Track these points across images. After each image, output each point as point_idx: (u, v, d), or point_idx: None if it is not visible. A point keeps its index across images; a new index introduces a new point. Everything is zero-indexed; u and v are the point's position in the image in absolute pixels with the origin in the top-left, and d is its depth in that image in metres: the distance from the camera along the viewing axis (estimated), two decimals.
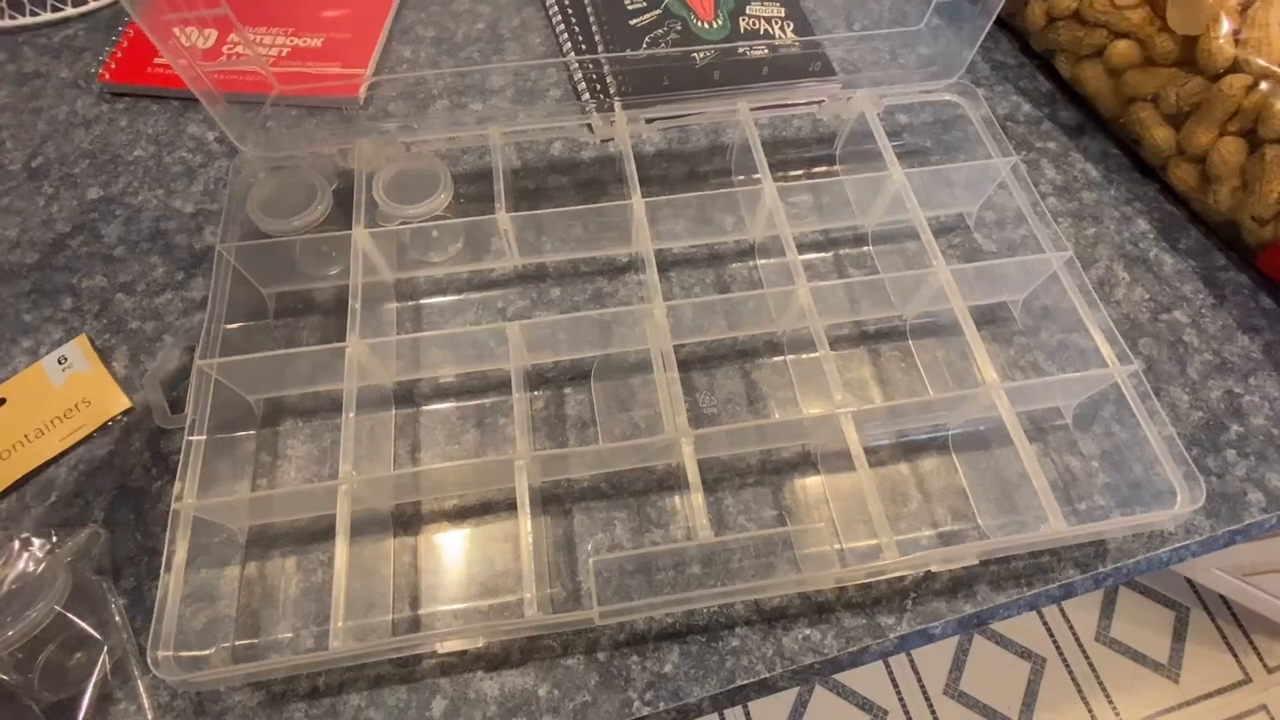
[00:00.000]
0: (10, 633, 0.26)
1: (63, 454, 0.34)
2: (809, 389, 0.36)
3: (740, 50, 0.46)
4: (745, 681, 0.30)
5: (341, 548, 0.28)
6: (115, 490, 0.33)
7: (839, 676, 0.98)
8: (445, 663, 0.30)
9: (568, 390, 0.36)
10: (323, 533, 0.32)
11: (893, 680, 0.99)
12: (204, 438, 0.31)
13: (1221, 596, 1.01)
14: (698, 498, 0.29)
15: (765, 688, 0.30)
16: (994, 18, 0.38)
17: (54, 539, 0.28)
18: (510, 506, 0.33)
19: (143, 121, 0.45)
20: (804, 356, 0.36)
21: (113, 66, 0.46)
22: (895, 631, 0.31)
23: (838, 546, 0.32)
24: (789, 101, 0.41)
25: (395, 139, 0.39)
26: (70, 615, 0.27)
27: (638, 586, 0.31)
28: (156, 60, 0.47)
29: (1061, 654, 0.99)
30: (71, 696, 0.28)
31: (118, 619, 0.28)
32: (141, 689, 0.28)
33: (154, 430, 0.35)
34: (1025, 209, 0.37)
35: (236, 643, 0.30)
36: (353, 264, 0.34)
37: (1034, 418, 0.35)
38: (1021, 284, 0.37)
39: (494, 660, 0.30)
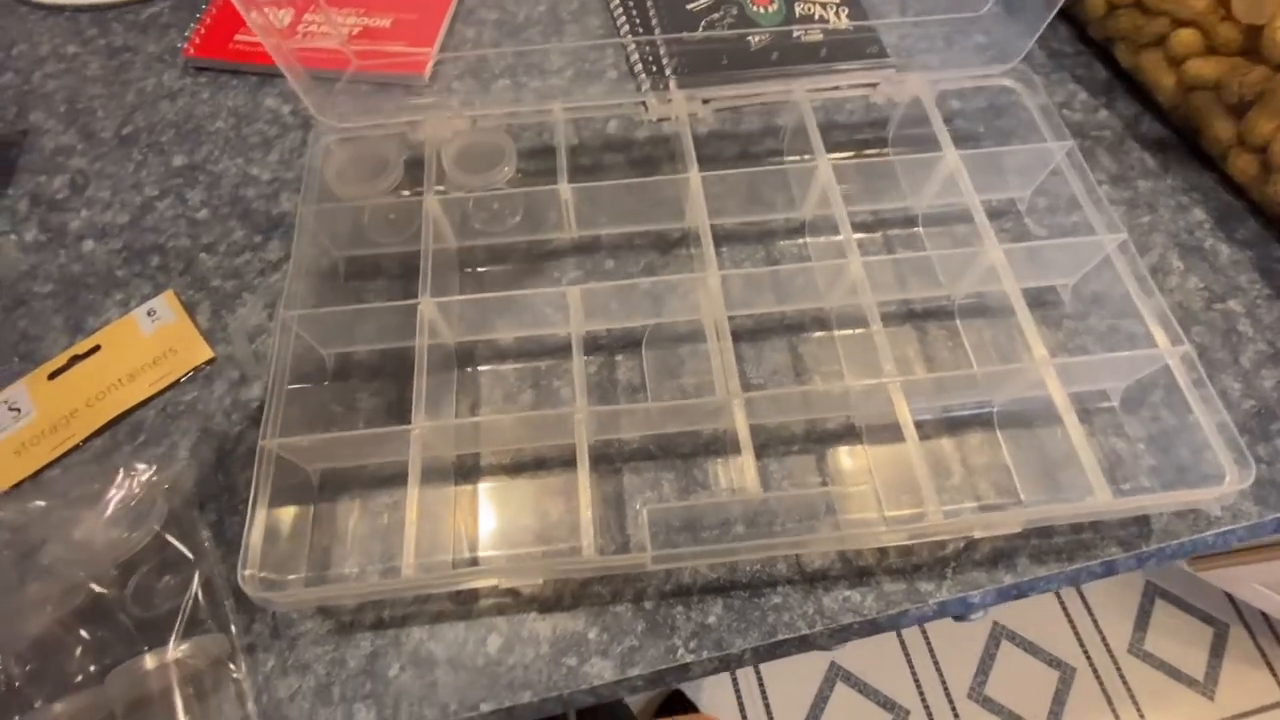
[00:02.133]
0: (117, 550, 0.28)
1: (151, 398, 0.37)
2: (855, 364, 0.37)
3: (795, 35, 0.47)
4: (786, 636, 0.31)
5: (413, 489, 0.30)
6: (198, 432, 0.36)
7: (860, 674, 0.98)
8: (501, 604, 0.32)
9: (619, 357, 0.38)
10: (388, 479, 0.34)
11: (915, 680, 0.98)
12: (285, 385, 0.33)
13: (1263, 614, 0.98)
14: (748, 457, 0.30)
15: (805, 644, 0.31)
16: (1058, 8, 0.38)
17: (154, 468, 0.31)
18: (564, 462, 0.34)
19: (223, 95, 0.48)
20: (851, 332, 0.37)
21: (196, 42, 0.49)
22: (934, 598, 0.31)
23: (880, 514, 0.33)
24: (844, 85, 0.42)
25: (462, 114, 0.41)
26: (168, 537, 0.29)
27: (684, 542, 0.32)
28: (237, 37, 0.49)
29: (1092, 664, 0.98)
30: (157, 615, 0.30)
31: (207, 545, 0.31)
32: (228, 609, 0.30)
33: (234, 378, 0.37)
34: (1080, 194, 0.37)
35: (309, 574, 0.32)
36: (424, 229, 0.36)
37: (1080, 399, 0.36)
38: (1073, 267, 0.38)
39: (547, 604, 0.31)
